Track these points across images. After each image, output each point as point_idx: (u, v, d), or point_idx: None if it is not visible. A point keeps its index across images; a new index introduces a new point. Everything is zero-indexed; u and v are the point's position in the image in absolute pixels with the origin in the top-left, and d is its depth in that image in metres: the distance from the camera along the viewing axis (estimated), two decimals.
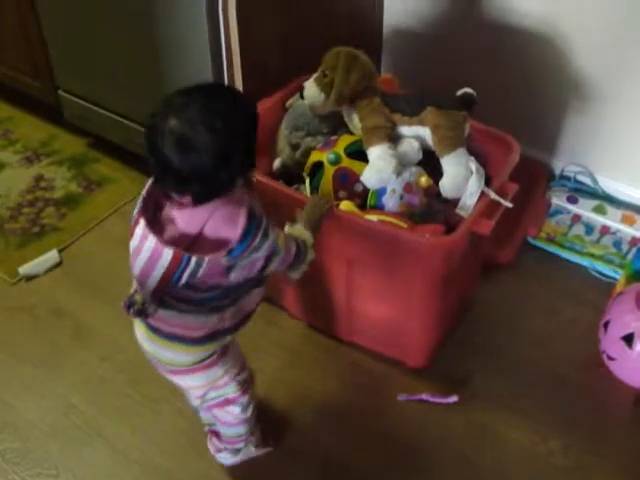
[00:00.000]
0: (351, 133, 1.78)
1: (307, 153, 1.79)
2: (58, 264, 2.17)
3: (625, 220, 2.22)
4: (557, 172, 2.40)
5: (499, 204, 1.67)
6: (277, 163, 1.85)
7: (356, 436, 1.74)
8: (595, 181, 2.33)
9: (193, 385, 1.46)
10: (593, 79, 2.19)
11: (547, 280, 2.12)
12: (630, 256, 2.10)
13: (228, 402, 1.50)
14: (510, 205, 1.68)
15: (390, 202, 1.68)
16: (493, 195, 1.66)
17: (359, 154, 1.70)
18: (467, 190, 1.66)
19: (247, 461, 1.67)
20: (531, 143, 2.37)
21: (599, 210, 2.25)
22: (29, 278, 2.13)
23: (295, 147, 1.84)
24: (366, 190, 1.69)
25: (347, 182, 1.70)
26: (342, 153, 1.69)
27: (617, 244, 2.17)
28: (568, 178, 2.37)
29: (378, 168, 1.64)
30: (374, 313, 1.81)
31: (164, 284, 1.24)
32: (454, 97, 1.70)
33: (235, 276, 1.25)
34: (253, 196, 1.29)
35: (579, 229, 2.21)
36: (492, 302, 2.05)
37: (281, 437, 1.73)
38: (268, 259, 1.28)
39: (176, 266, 1.20)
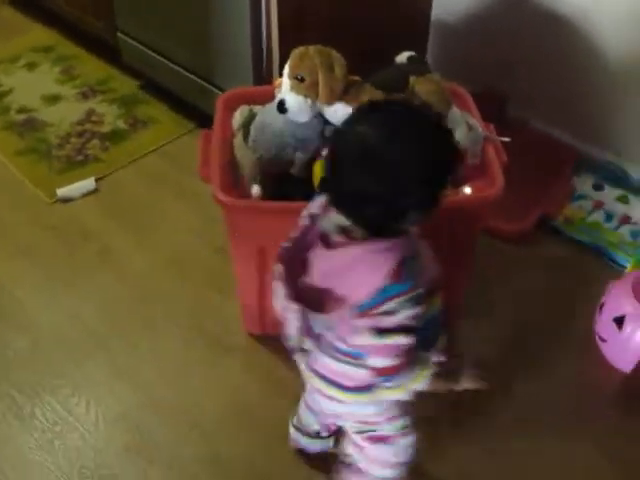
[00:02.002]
0: None
1: (305, 167, 1.69)
2: (94, 191, 2.32)
3: None
4: (589, 158, 2.39)
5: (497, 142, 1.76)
6: (256, 190, 1.67)
7: None
8: (624, 171, 2.32)
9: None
10: (633, 68, 2.18)
11: (556, 260, 2.14)
12: None
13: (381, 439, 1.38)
14: (508, 139, 1.76)
15: None
16: (493, 136, 1.75)
17: None
18: (472, 141, 1.73)
19: None
20: (564, 126, 2.39)
21: (622, 200, 2.25)
22: (65, 200, 2.28)
23: (268, 169, 1.72)
24: None
25: None
26: None
27: (635, 234, 2.16)
28: (599, 165, 2.36)
29: None
30: None
31: None
32: (418, 61, 1.76)
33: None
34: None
35: (599, 216, 2.22)
36: (491, 271, 2.07)
37: None
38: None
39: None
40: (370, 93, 1.64)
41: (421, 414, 1.41)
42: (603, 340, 1.86)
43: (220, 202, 1.60)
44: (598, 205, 2.24)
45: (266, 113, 1.73)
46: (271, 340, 1.88)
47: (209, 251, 2.11)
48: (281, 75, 1.72)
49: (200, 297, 2.01)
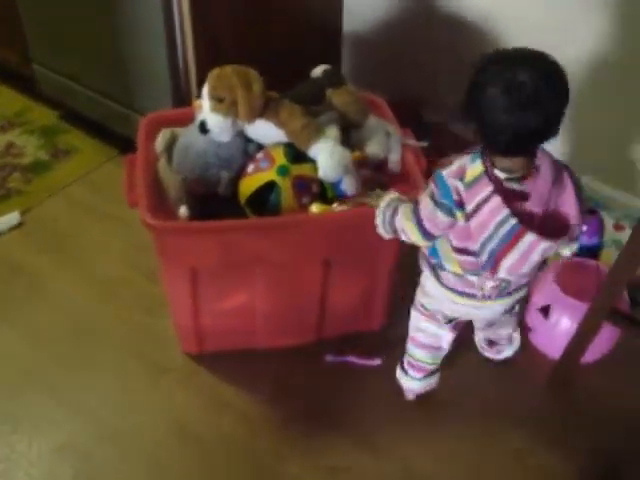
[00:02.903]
0: (261, 147, 1.74)
1: (231, 185, 1.72)
2: (19, 225, 2.28)
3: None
4: None
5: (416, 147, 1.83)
6: (184, 211, 1.65)
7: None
8: None
9: None
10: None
11: None
12: None
13: None
14: (426, 144, 1.81)
15: (349, 186, 1.70)
16: (412, 142, 1.81)
17: (299, 157, 1.69)
18: (391, 148, 1.79)
19: None
20: None
21: None
22: None
23: (194, 190, 1.74)
24: (321, 186, 1.70)
25: (306, 187, 1.68)
26: (288, 163, 1.66)
27: None
28: None
29: (336, 162, 1.64)
30: (344, 301, 1.88)
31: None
32: (329, 75, 1.81)
33: None
34: None
35: None
36: None
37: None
38: None
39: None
40: (289, 108, 1.68)
41: None
42: (530, 329, 1.93)
43: (148, 225, 1.61)
44: None
45: (188, 135, 1.76)
46: (209, 358, 1.90)
47: (141, 276, 2.11)
48: (199, 96, 1.75)
49: (135, 322, 2.00)
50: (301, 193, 1.67)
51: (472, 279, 1.50)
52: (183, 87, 2.16)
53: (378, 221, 1.56)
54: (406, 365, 1.80)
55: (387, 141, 1.79)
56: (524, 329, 1.95)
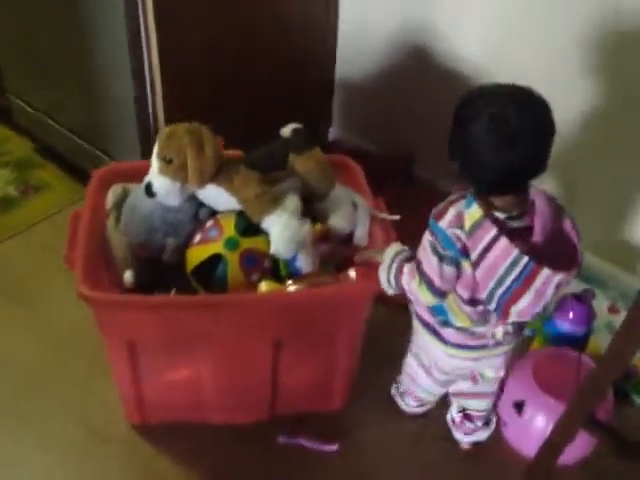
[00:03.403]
0: (215, 212, 1.62)
1: (177, 253, 1.61)
2: None
3: None
4: None
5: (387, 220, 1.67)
6: (129, 276, 1.58)
7: None
8: None
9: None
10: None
11: None
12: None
13: None
14: (397, 217, 1.66)
15: (305, 263, 1.57)
16: (381, 215, 1.66)
17: (251, 229, 1.56)
18: (357, 221, 1.65)
19: None
20: None
21: None
22: None
23: (140, 254, 1.63)
24: (274, 262, 1.58)
25: (256, 263, 1.55)
26: (237, 235, 1.54)
27: None
28: None
29: (289, 238, 1.51)
30: (299, 380, 1.73)
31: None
32: (299, 136, 1.65)
33: None
34: None
35: None
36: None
37: None
38: None
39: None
40: (243, 174, 1.55)
41: None
42: (504, 423, 1.77)
43: (80, 295, 1.47)
44: None
45: (136, 194, 1.62)
46: (153, 429, 1.76)
47: (96, 329, 1.97)
48: None
49: (86, 383, 1.87)
50: (250, 269, 1.53)
51: (480, 330, 1.44)
52: (153, 137, 2.03)
53: (382, 278, 1.48)
54: (402, 390, 1.76)
55: (354, 213, 1.64)
56: (498, 421, 1.78)
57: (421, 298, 1.41)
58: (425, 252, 1.36)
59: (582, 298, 1.84)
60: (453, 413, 1.75)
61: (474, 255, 1.29)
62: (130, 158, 2.07)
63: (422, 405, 1.77)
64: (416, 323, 1.55)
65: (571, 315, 1.83)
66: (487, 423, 1.74)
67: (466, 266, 1.32)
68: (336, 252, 1.64)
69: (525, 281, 1.27)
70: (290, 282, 1.53)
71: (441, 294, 1.38)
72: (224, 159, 1.57)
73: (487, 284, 1.31)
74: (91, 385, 1.86)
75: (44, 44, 2.18)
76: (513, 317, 1.35)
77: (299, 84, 2.33)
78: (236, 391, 1.70)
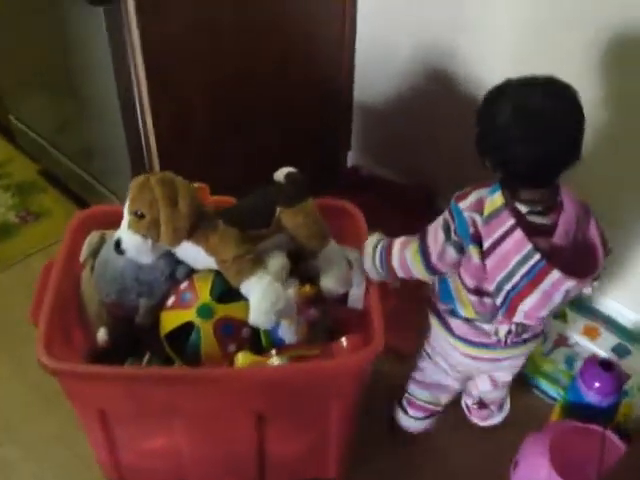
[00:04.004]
0: (195, 272, 1.45)
1: (151, 314, 1.46)
2: None
3: (587, 332, 1.94)
4: None
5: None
6: (102, 334, 1.46)
7: None
8: None
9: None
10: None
11: None
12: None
13: None
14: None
15: (288, 333, 1.42)
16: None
17: (229, 293, 1.40)
18: (353, 281, 1.48)
19: None
20: None
21: (561, 316, 1.97)
22: None
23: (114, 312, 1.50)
24: (254, 331, 1.41)
25: (233, 332, 1.39)
26: (212, 302, 1.38)
27: (570, 360, 1.89)
28: None
29: (269, 306, 1.33)
30: (289, 450, 1.57)
31: None
32: (290, 183, 1.48)
33: None
34: None
35: None
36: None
37: None
38: None
39: None
40: (221, 232, 1.39)
41: None
42: None
43: (40, 363, 1.34)
44: None
45: (108, 248, 1.48)
46: None
47: None
48: None
49: (65, 434, 1.74)
50: (226, 339, 1.38)
51: (485, 327, 1.40)
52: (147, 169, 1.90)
53: (367, 265, 1.44)
54: (405, 403, 1.67)
55: (348, 272, 1.47)
56: None
57: (413, 269, 1.37)
58: (435, 225, 1.33)
59: (610, 365, 1.63)
60: (468, 402, 1.74)
61: (487, 243, 1.24)
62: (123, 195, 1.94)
63: (427, 417, 1.67)
64: (430, 316, 1.51)
65: (597, 385, 1.62)
66: (501, 407, 1.73)
67: (474, 253, 1.27)
68: (327, 316, 1.47)
69: (533, 280, 1.22)
70: (273, 352, 1.37)
71: (434, 271, 1.36)
72: (204, 211, 1.40)
73: (496, 276, 1.26)
74: (71, 437, 1.72)
75: (40, 70, 2.09)
76: (519, 316, 1.29)
77: (317, 108, 2.19)
78: (220, 461, 1.56)
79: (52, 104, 2.14)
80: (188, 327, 1.37)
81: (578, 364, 1.87)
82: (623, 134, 1.75)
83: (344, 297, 1.50)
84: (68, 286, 1.52)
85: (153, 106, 1.75)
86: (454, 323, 1.44)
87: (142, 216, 1.37)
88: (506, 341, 1.40)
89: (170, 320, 1.40)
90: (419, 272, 1.37)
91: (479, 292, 1.35)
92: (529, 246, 1.21)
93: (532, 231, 1.22)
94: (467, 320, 1.41)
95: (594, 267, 1.26)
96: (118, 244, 1.39)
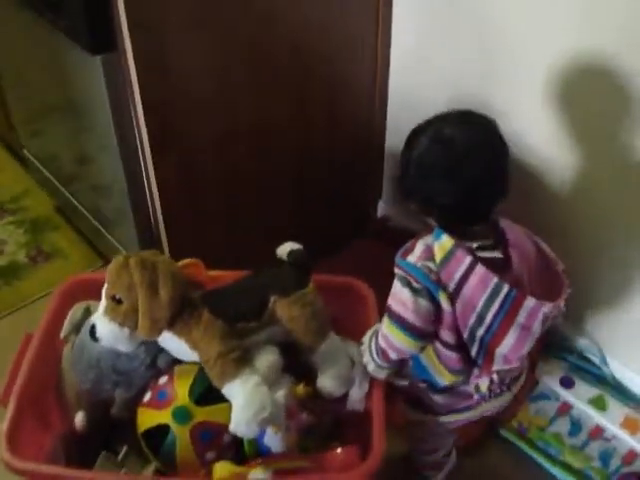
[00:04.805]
0: (179, 361, 1.32)
1: (128, 407, 1.34)
2: None
3: (627, 424, 1.73)
4: (560, 337, 1.92)
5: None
6: (80, 419, 1.34)
7: None
8: (604, 361, 1.85)
9: None
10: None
11: None
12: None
13: None
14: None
15: (275, 441, 1.26)
16: None
17: (211, 394, 1.25)
18: (354, 380, 1.32)
19: None
20: None
21: (598, 403, 1.77)
22: None
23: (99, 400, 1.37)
24: (236, 438, 1.26)
25: (213, 439, 1.25)
26: (190, 404, 1.25)
27: (605, 456, 1.69)
28: (571, 351, 1.89)
29: (251, 415, 1.19)
30: None
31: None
32: (290, 264, 1.34)
33: None
34: None
35: (563, 425, 1.74)
36: None
37: None
38: None
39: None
40: (205, 324, 1.25)
41: None
42: None
43: (3, 462, 1.22)
44: (563, 409, 1.77)
45: (86, 330, 1.35)
46: None
47: None
48: None
49: None
50: (204, 446, 1.24)
51: (466, 388, 1.32)
52: (153, 235, 1.77)
53: (365, 358, 1.31)
54: (421, 469, 1.58)
55: (350, 371, 1.31)
56: None
57: (400, 344, 1.24)
58: (394, 291, 1.23)
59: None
60: None
61: (451, 286, 1.17)
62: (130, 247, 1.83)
63: (447, 464, 1.59)
64: (413, 415, 1.43)
65: None
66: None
67: (443, 300, 1.18)
68: (324, 419, 1.31)
69: (507, 315, 1.17)
70: (259, 461, 1.23)
71: (419, 333, 1.22)
72: (188, 298, 1.26)
73: (467, 320, 1.19)
74: None
75: (48, 114, 2.02)
76: (498, 363, 1.23)
77: (347, 155, 2.03)
78: None
79: (61, 148, 2.04)
80: (163, 429, 1.23)
81: (615, 461, 1.67)
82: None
83: (343, 397, 1.34)
84: (49, 359, 1.40)
85: (157, 167, 1.62)
86: (436, 398, 1.34)
87: (120, 301, 1.24)
88: (490, 395, 1.34)
89: (145, 419, 1.27)
90: (408, 344, 1.24)
91: (460, 347, 1.24)
92: (495, 279, 1.15)
93: (489, 267, 1.16)
94: (448, 389, 1.32)
95: (561, 285, 1.22)
96: (93, 330, 1.26)
